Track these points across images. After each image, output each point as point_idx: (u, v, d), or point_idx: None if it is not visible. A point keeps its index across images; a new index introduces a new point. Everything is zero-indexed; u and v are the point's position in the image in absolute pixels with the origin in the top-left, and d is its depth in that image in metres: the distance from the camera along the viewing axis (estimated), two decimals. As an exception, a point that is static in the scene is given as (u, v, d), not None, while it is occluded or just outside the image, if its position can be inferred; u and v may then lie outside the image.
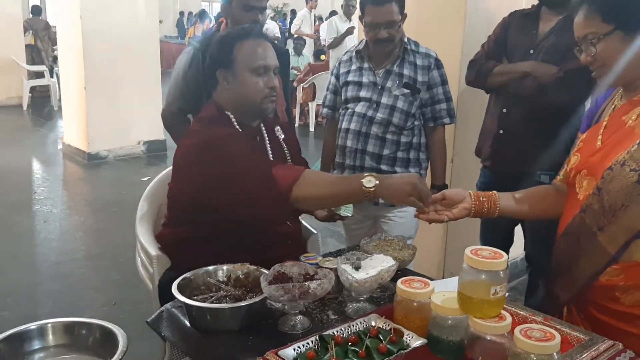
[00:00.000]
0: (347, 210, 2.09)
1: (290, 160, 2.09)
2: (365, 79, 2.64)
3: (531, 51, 2.59)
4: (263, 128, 2.05)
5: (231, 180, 1.80)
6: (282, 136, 2.12)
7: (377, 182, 1.72)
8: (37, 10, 11.12)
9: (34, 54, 10.31)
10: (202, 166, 1.84)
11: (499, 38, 2.73)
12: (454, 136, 3.19)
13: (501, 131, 2.69)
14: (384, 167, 2.61)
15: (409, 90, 2.58)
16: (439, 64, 2.64)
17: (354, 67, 2.69)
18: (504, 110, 2.68)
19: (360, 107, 2.63)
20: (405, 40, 2.62)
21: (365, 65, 2.66)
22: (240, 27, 2.07)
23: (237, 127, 1.95)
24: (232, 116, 1.96)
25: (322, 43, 10.25)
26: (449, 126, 2.78)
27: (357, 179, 1.75)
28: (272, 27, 12.71)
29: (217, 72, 1.95)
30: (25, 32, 10.21)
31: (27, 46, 10.19)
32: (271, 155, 2.02)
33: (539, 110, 2.55)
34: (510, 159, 2.67)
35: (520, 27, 2.67)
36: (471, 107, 3.18)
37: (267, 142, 2.04)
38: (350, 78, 2.68)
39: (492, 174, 2.79)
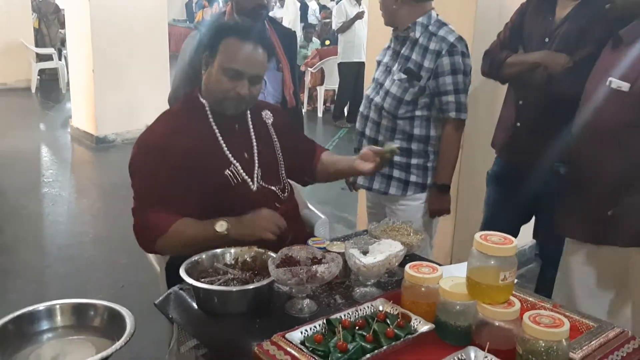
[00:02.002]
0: (389, 145, 1.97)
1: (277, 145, 2.04)
2: (385, 59, 2.59)
3: (546, 39, 2.47)
4: (248, 113, 2.00)
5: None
6: (270, 120, 2.06)
7: (228, 224, 1.76)
8: (44, -7, 11.05)
9: (39, 37, 10.28)
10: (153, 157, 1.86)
11: (515, 25, 2.61)
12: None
13: (518, 124, 2.56)
14: None
15: (406, 76, 2.44)
16: (452, 51, 2.40)
17: (386, 46, 2.65)
18: (520, 102, 2.55)
19: (370, 89, 2.59)
20: (423, 21, 2.45)
21: (392, 45, 2.59)
22: (237, 23, 2.02)
23: (209, 115, 1.92)
24: (206, 104, 1.93)
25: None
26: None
27: (212, 224, 1.78)
28: (312, 7, 12.66)
29: (203, 55, 1.90)
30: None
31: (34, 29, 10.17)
32: (255, 141, 1.98)
33: (554, 102, 2.41)
34: (527, 152, 2.52)
35: (536, 14, 2.54)
36: (481, 95, 3.15)
37: (251, 127, 2.00)
38: (379, 58, 2.65)
39: (507, 164, 2.69)
